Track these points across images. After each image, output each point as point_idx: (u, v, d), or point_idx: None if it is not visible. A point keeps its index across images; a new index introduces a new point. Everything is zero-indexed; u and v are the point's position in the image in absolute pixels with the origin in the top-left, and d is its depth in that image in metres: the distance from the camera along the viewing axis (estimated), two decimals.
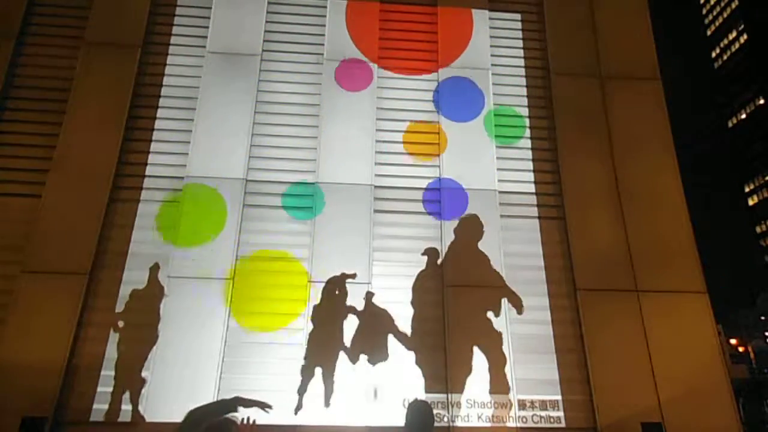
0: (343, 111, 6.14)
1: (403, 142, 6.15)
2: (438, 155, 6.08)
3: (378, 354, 5.20)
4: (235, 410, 2.67)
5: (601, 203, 5.94)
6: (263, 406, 2.70)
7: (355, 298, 5.37)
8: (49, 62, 6.04)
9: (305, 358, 5.12)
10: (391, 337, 5.28)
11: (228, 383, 4.99)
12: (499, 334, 5.32)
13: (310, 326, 5.24)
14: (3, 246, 5.25)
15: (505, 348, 5.28)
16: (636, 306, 5.50)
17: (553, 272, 5.72)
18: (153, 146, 5.84)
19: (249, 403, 2.67)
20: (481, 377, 5.15)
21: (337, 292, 5.38)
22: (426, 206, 5.89)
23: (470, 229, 5.74)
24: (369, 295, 5.39)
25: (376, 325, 5.31)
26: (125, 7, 6.24)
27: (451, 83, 6.39)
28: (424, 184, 5.98)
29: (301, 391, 5.01)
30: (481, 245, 5.69)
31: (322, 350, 5.16)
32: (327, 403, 4.96)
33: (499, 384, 5.14)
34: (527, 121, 6.39)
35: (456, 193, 5.90)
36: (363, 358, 5.16)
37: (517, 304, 5.49)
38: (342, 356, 5.14)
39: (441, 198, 5.89)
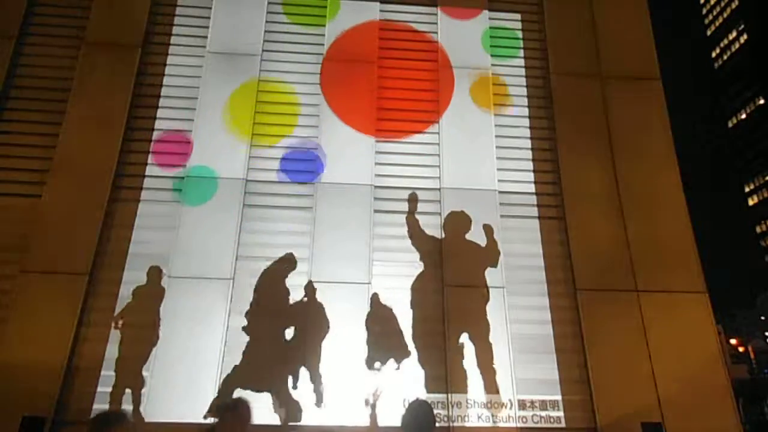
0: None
1: (404, 142, 6.15)
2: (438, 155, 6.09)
3: (378, 354, 5.19)
4: None
5: (601, 203, 5.93)
6: None
7: (354, 299, 5.37)
8: (49, 62, 6.02)
9: (305, 358, 5.11)
10: (391, 338, 5.27)
11: None
12: (499, 334, 5.32)
13: (310, 326, 5.23)
14: (3, 246, 5.24)
15: (505, 348, 5.28)
16: (636, 306, 5.49)
17: (553, 272, 5.71)
18: (153, 146, 5.83)
19: None
20: (481, 377, 5.15)
21: (335, 292, 5.37)
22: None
23: (459, 224, 5.73)
24: (369, 296, 5.38)
25: (375, 325, 5.30)
26: (125, 7, 6.23)
27: None
28: (424, 184, 5.97)
29: (300, 391, 5.00)
30: (481, 244, 5.68)
31: (321, 350, 5.14)
32: (323, 404, 4.94)
33: (499, 384, 5.14)
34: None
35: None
36: (363, 358, 5.15)
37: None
38: (342, 356, 5.12)
39: (440, 198, 5.89)
